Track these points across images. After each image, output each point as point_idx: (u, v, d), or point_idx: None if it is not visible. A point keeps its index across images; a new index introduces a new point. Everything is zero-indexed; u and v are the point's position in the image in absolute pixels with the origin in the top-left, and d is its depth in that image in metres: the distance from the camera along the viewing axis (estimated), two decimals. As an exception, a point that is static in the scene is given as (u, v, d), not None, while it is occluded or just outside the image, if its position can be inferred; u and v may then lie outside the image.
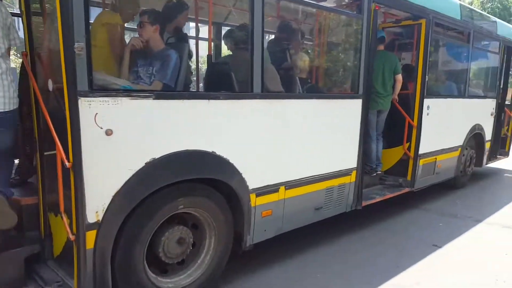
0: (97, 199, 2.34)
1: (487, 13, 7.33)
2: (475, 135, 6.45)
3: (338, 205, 4.09)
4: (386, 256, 3.87)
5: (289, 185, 3.48)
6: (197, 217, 3.01)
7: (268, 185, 3.30)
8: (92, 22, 2.66)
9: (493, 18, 6.61)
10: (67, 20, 2.10)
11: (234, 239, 3.23)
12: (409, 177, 5.03)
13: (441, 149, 5.57)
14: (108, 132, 2.32)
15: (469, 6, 6.17)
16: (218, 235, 3.07)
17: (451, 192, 6.29)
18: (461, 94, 6.06)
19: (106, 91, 2.34)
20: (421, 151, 5.11)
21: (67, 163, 2.20)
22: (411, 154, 4.96)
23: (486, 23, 6.26)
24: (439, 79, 5.88)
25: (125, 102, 2.38)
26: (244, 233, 3.21)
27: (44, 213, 2.81)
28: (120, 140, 2.38)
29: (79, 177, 2.23)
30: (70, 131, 2.19)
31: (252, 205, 3.20)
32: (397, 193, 5.02)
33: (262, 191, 3.26)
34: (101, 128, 2.29)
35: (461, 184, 6.52)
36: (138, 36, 2.95)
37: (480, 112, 6.59)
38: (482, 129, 6.56)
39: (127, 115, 2.40)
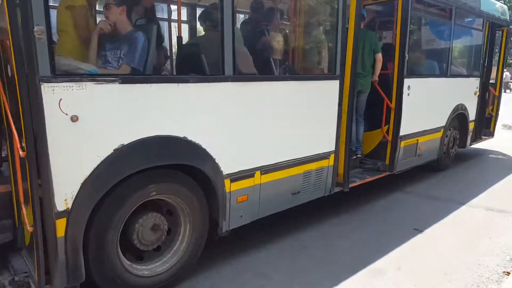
0: (65, 187, 2.43)
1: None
2: (458, 115, 6.70)
3: (316, 189, 4.26)
4: (367, 240, 4.06)
5: (265, 169, 3.62)
6: (172, 204, 3.13)
7: (243, 170, 3.43)
8: (57, 5, 2.70)
9: (476, -6, 6.81)
10: (25, 3, 2.15)
11: (210, 225, 3.38)
12: (387, 161, 5.23)
13: (423, 131, 5.79)
14: (74, 118, 2.40)
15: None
16: (193, 222, 3.20)
17: (434, 174, 6.55)
18: (443, 74, 6.27)
19: (70, 76, 2.42)
20: (402, 133, 5.31)
21: (21, 153, 2.27)
22: (389, 137, 5.14)
23: (469, -1, 6.46)
24: (420, 58, 6.06)
25: (90, 87, 2.45)
26: (219, 219, 3.35)
27: (17, 202, 2.88)
28: (86, 126, 2.46)
29: (45, 165, 2.31)
30: (33, 118, 2.26)
31: (227, 190, 3.34)
32: (377, 176, 5.23)
33: (236, 176, 3.39)
34: (66, 114, 2.37)
35: (444, 166, 6.79)
36: (105, 18, 3.01)
37: (463, 92, 6.83)
38: (465, 109, 6.81)
39: (93, 101, 2.48)
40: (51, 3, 2.33)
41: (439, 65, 6.34)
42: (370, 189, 5.40)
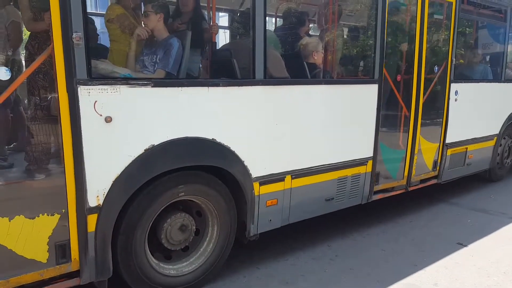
0: (98, 184, 2.62)
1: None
2: (514, 123, 6.35)
3: (352, 196, 4.22)
4: (404, 253, 3.95)
5: (296, 174, 3.65)
6: (200, 205, 3.25)
7: (272, 174, 3.49)
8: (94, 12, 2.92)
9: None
10: (65, 11, 2.37)
11: (239, 228, 3.46)
12: (404, 176, 4.89)
13: (473, 138, 5.56)
14: (108, 119, 2.59)
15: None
16: (221, 224, 3.31)
17: (486, 185, 6.25)
18: (497, 78, 5.98)
19: (104, 79, 2.61)
20: (448, 140, 5.14)
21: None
22: (408, 147, 4.78)
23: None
24: (470, 61, 5.83)
25: (124, 90, 2.64)
26: (247, 222, 3.43)
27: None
28: (119, 127, 2.64)
29: (79, 162, 2.51)
30: (70, 118, 2.47)
31: (256, 194, 3.41)
32: (421, 185, 5.08)
33: (266, 180, 3.45)
34: (101, 115, 2.56)
35: (498, 177, 6.45)
36: (143, 25, 3.21)
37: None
38: (523, 116, 6.44)
39: (126, 103, 2.66)
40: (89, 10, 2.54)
41: (493, 70, 6.06)
42: (412, 198, 5.25)
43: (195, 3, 3.59)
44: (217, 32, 3.66)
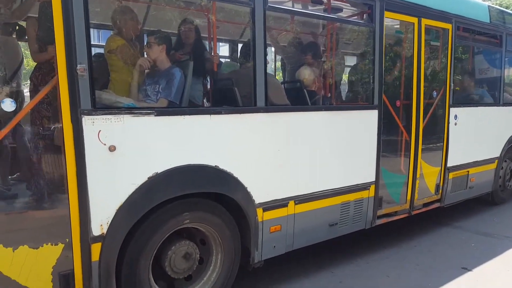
0: (102, 213, 2.60)
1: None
2: (515, 146, 6.31)
3: (356, 221, 4.16)
4: (409, 278, 3.86)
5: (299, 199, 3.62)
6: (204, 233, 3.21)
7: (275, 200, 3.46)
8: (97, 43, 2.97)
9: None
10: (69, 44, 2.41)
11: (243, 255, 3.40)
12: (407, 200, 4.81)
13: (474, 162, 5.51)
14: (111, 148, 2.59)
15: (500, 8, 6.14)
16: (225, 251, 3.25)
17: (488, 208, 6.16)
18: (496, 102, 5.99)
19: (108, 109, 2.63)
20: (450, 164, 5.10)
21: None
22: (410, 172, 4.74)
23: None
24: (468, 86, 5.86)
25: (127, 119, 2.65)
26: (251, 249, 3.37)
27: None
28: (123, 155, 2.64)
29: (83, 191, 2.50)
30: (74, 148, 2.47)
31: (259, 220, 3.37)
32: (425, 209, 5.01)
33: (269, 206, 3.42)
34: (104, 144, 2.56)
35: (501, 200, 6.36)
36: (146, 55, 3.25)
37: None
38: (523, 139, 6.41)
39: (130, 132, 2.67)
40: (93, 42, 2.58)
41: (491, 94, 6.08)
42: (415, 222, 5.17)
43: (196, 35, 3.65)
44: (218, 62, 3.70)
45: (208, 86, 3.67)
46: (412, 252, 4.51)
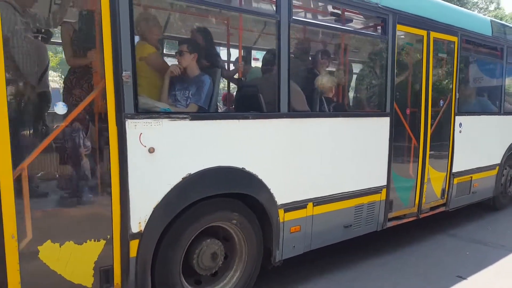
0: (140, 211, 2.73)
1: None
2: (515, 153, 6.53)
3: (368, 223, 4.32)
4: (406, 286, 3.89)
5: (317, 201, 3.77)
6: (229, 231, 3.34)
7: (296, 201, 3.61)
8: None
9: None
10: (116, 52, 2.55)
11: (264, 254, 3.54)
12: (415, 204, 4.97)
13: (477, 168, 5.70)
14: (151, 150, 2.73)
15: (501, 22, 6.38)
16: (249, 250, 3.39)
17: (483, 216, 6.24)
18: (497, 111, 6.21)
19: (149, 113, 2.78)
20: (455, 170, 5.28)
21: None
22: (418, 176, 4.91)
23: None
24: (472, 96, 6.07)
25: (165, 123, 2.80)
26: (273, 248, 3.51)
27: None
28: (160, 157, 2.79)
29: (125, 190, 2.63)
30: (118, 149, 2.61)
31: (281, 220, 3.51)
32: (431, 213, 5.18)
33: (290, 207, 3.57)
34: (145, 146, 2.71)
35: (502, 205, 6.57)
36: (176, 62, 3.39)
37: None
38: (522, 146, 6.63)
39: (167, 135, 2.82)
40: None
41: (493, 103, 6.30)
42: (416, 228, 5.27)
43: (223, 43, 3.81)
44: (243, 70, 3.86)
45: (235, 92, 3.83)
46: (412, 258, 4.53)
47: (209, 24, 3.91)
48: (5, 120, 2.25)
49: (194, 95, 3.30)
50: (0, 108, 2.23)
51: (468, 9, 22.05)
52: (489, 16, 21.80)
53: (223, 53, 3.81)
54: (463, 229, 5.64)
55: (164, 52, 3.70)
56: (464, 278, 4.04)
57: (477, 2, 29.06)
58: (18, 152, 2.34)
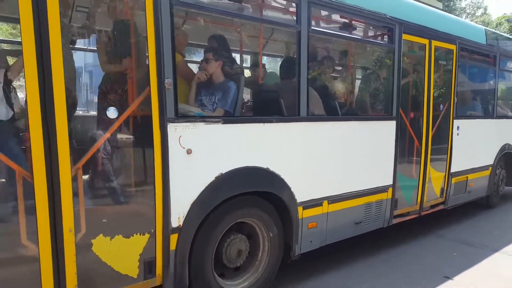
0: (179, 207, 2.96)
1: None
2: (506, 155, 6.90)
3: (376, 220, 4.60)
4: (394, 286, 3.97)
5: (332, 199, 4.03)
6: (253, 227, 3.58)
7: (313, 199, 3.87)
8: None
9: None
10: (160, 61, 2.78)
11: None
12: (417, 202, 5.25)
13: (472, 168, 6.05)
14: (189, 151, 2.96)
15: (494, 31, 6.76)
16: (271, 245, 3.63)
17: (470, 216, 6.48)
18: (490, 115, 6.58)
19: (187, 117, 3.01)
20: (453, 170, 5.61)
21: None
22: (420, 176, 5.18)
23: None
24: (468, 100, 6.42)
25: (201, 126, 3.03)
26: (293, 243, 3.76)
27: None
28: (197, 158, 3.01)
29: (167, 188, 2.86)
30: (161, 151, 2.82)
31: (300, 217, 3.77)
32: (432, 210, 5.50)
33: (308, 204, 3.82)
34: (184, 148, 2.93)
35: (495, 204, 6.97)
36: (202, 69, 3.62)
37: (509, 132, 7.05)
38: (512, 148, 7.03)
39: (202, 137, 3.05)
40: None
41: (486, 107, 6.67)
42: (398, 231, 5.37)
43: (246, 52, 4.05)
44: (265, 76, 4.11)
45: (257, 97, 4.07)
46: (401, 259, 4.67)
47: (234, 34, 4.15)
48: (65, 128, 2.44)
49: (220, 100, 3.53)
50: (61, 116, 2.42)
51: (456, 15, 22.72)
52: (476, 21, 22.50)
53: (246, 60, 4.03)
54: (451, 230, 5.79)
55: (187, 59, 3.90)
56: (451, 278, 4.17)
57: (464, 8, 29.88)
58: (74, 154, 2.54)
